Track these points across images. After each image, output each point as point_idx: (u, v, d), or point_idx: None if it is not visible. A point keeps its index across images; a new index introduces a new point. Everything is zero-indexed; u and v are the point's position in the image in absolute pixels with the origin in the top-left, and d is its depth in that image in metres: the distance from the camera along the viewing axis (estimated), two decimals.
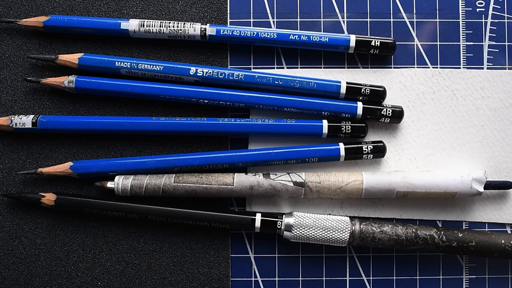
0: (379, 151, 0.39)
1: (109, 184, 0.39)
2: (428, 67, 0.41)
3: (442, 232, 0.38)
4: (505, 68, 0.41)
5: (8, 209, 0.40)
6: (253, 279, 0.40)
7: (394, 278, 0.40)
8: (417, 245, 0.38)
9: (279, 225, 0.38)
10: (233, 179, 0.38)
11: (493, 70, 0.41)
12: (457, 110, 0.41)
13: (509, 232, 0.40)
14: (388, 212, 0.40)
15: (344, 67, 0.41)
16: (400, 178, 0.38)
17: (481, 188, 0.38)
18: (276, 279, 0.40)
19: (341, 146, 0.39)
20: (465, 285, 0.40)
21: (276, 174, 0.39)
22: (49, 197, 0.39)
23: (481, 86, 0.41)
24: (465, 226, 0.40)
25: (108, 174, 0.39)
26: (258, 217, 0.38)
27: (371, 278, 0.40)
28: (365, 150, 0.39)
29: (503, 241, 0.37)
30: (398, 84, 0.41)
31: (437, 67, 0.41)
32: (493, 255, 0.38)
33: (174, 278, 0.40)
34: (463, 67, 0.41)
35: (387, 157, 0.40)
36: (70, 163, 0.39)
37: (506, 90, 0.40)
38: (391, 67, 0.41)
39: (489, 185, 0.39)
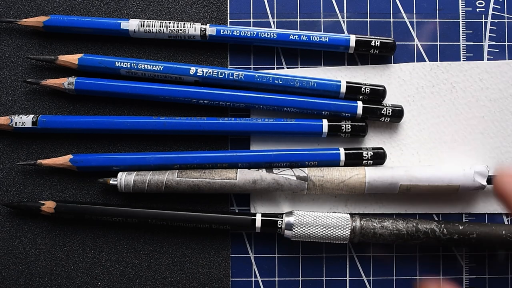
0: (379, 157, 0.39)
1: (112, 181, 0.39)
2: None
3: (443, 225, 0.38)
4: None
5: (8, 208, 0.40)
6: (253, 279, 0.40)
7: (394, 278, 0.40)
8: (418, 239, 0.38)
9: (279, 224, 0.38)
10: (236, 173, 0.38)
11: (492, 61, 0.41)
12: (457, 102, 0.41)
13: (505, 221, 0.40)
14: (393, 208, 0.40)
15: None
16: (403, 171, 0.38)
17: (484, 181, 0.38)
18: (276, 279, 0.40)
19: (341, 151, 0.39)
20: (465, 285, 0.40)
21: (279, 169, 0.39)
22: (48, 205, 0.39)
23: (480, 78, 0.41)
24: (466, 220, 0.40)
25: (107, 168, 0.39)
26: (259, 217, 0.38)
27: (371, 278, 0.40)
28: (365, 156, 0.39)
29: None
30: (397, 79, 0.41)
31: None
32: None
33: (174, 278, 0.40)
34: None
35: (389, 153, 0.40)
36: (70, 156, 0.39)
37: (504, 81, 0.41)
38: None
39: (491, 180, 0.39)
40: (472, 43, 0.41)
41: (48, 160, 0.39)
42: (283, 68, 0.41)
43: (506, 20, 0.41)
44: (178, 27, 0.40)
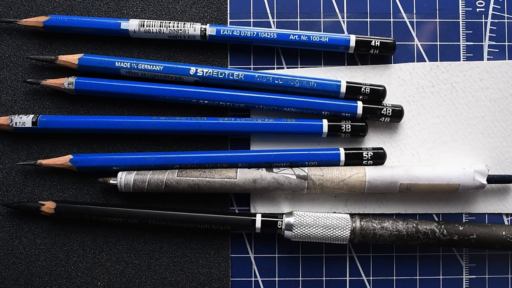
0: (379, 157, 0.39)
1: (112, 181, 0.39)
2: None
3: (442, 226, 0.38)
4: None
5: (8, 208, 0.40)
6: (253, 279, 0.40)
7: (394, 278, 0.40)
8: (418, 240, 0.38)
9: (279, 225, 0.38)
10: (236, 173, 0.38)
11: (492, 61, 0.41)
12: (457, 102, 0.41)
13: (506, 221, 0.40)
14: (393, 208, 0.40)
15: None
16: (403, 170, 0.38)
17: (484, 180, 0.38)
18: (276, 279, 0.40)
19: (341, 151, 0.39)
20: (465, 285, 0.40)
21: (279, 168, 0.39)
22: (48, 205, 0.39)
23: (480, 78, 0.41)
24: (465, 220, 0.40)
25: (107, 168, 0.39)
26: (259, 218, 0.38)
27: (371, 278, 0.40)
28: (365, 156, 0.39)
29: (504, 233, 0.38)
30: (397, 79, 0.41)
31: None
32: (495, 247, 0.38)
33: (174, 278, 0.40)
34: None
35: (389, 153, 0.40)
36: (70, 156, 0.39)
37: (505, 81, 0.41)
38: None
39: (491, 179, 0.39)
40: (472, 43, 0.41)
41: (48, 160, 0.40)
42: (283, 68, 0.41)
43: (506, 20, 0.41)
44: (178, 27, 0.40)
